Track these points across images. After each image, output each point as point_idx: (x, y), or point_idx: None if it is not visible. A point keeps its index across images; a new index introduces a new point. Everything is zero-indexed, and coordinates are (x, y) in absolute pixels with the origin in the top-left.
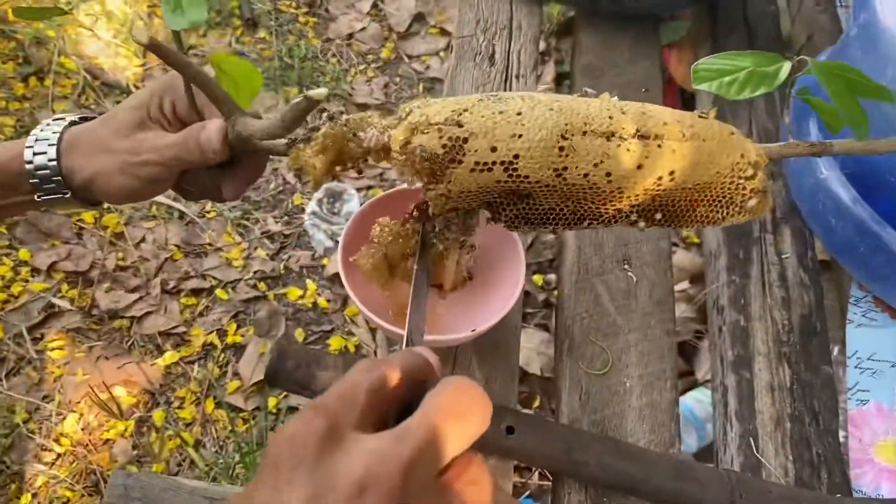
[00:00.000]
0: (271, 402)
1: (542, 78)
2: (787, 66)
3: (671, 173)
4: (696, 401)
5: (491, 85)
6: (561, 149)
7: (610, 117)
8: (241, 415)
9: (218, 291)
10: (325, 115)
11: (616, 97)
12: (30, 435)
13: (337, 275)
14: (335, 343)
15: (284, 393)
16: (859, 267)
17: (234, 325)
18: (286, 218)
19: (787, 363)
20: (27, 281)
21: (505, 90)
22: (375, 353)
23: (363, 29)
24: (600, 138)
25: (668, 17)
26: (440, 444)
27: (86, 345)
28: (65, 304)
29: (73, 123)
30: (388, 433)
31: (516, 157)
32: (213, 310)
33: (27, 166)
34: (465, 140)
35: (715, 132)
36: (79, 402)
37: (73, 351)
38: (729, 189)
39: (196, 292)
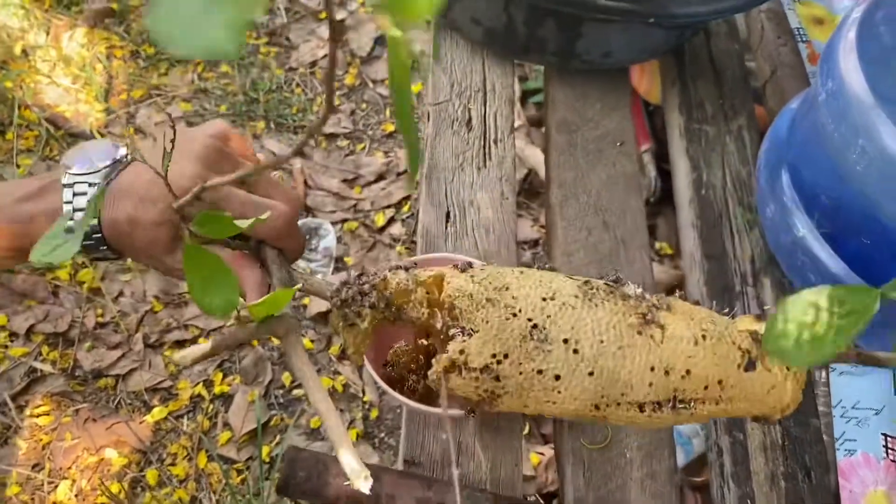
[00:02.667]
0: (264, 450)
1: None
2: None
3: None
4: None
5: (471, 152)
6: (592, 415)
7: (650, 384)
8: (234, 466)
9: (201, 341)
10: (366, 300)
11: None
12: None
13: (319, 314)
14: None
15: (277, 440)
16: None
17: (220, 375)
18: None
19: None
20: (6, 346)
21: (484, 156)
22: (363, 391)
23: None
24: (633, 409)
25: None
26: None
27: (72, 408)
28: (47, 367)
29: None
30: None
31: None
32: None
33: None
34: (499, 396)
35: (755, 392)
36: (70, 468)
37: (60, 415)
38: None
39: (179, 344)
